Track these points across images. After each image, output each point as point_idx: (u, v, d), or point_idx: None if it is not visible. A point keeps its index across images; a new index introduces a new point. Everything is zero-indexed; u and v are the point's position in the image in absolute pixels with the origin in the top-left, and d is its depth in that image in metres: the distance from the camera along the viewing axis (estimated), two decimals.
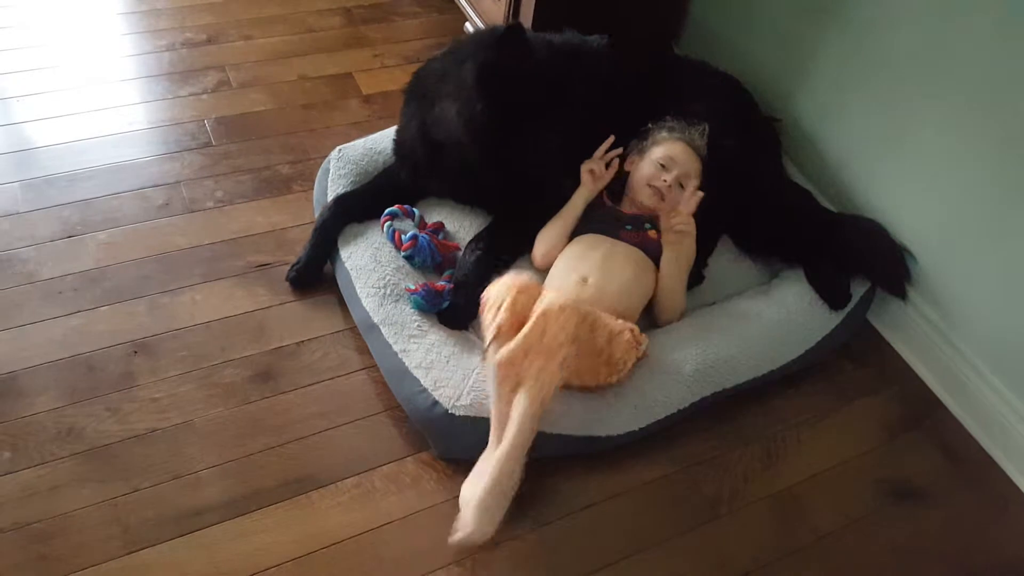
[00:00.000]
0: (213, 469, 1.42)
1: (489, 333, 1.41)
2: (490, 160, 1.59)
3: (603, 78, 1.59)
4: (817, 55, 1.90)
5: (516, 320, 1.38)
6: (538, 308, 1.36)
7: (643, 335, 1.52)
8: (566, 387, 1.47)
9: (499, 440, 1.34)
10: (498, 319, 1.39)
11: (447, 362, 1.49)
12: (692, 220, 1.59)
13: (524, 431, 1.32)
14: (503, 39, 1.46)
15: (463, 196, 1.78)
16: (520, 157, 1.58)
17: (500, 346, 1.36)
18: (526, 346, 1.33)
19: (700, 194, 1.59)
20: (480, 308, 1.47)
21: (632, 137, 1.78)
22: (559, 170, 1.65)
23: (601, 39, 1.60)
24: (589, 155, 1.73)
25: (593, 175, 1.70)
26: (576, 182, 1.71)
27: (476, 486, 1.31)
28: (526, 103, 1.52)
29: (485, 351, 1.43)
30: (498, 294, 1.43)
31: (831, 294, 1.70)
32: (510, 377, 1.34)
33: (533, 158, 1.59)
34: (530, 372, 1.32)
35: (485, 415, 1.41)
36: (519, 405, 1.33)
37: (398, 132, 1.81)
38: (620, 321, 1.49)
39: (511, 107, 1.51)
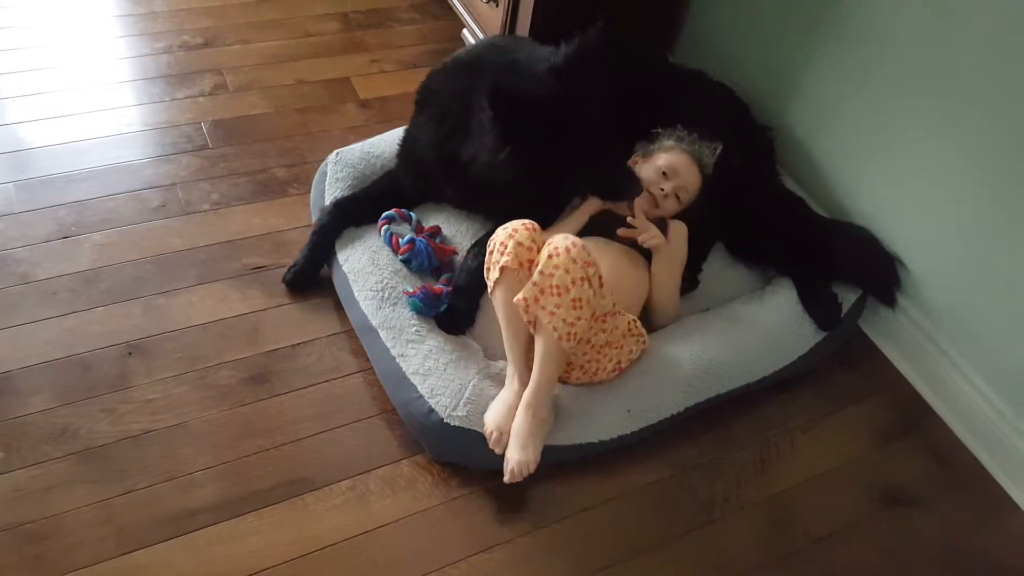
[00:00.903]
0: (207, 471, 1.42)
1: (494, 274, 1.48)
2: (531, 186, 1.57)
3: (611, 77, 1.60)
4: (813, 61, 1.91)
5: (521, 262, 1.45)
6: (545, 251, 1.42)
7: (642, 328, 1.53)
8: (565, 382, 1.50)
9: (518, 373, 1.45)
10: (503, 260, 1.45)
11: (444, 369, 1.49)
12: (666, 232, 1.64)
13: (548, 366, 1.41)
14: (494, 102, 1.43)
15: (480, 207, 1.76)
16: (561, 177, 1.59)
17: (506, 286, 1.45)
18: (539, 287, 1.40)
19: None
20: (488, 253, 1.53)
21: (631, 137, 1.78)
22: (601, 172, 1.63)
23: (596, 28, 1.55)
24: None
25: None
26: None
27: (506, 417, 1.40)
28: (554, 132, 1.50)
29: (491, 292, 1.51)
30: (503, 235, 1.48)
31: (821, 314, 1.71)
32: (530, 314, 1.41)
33: (576, 178, 1.61)
34: (546, 310, 1.39)
35: (479, 429, 1.42)
36: (540, 343, 1.42)
37: (405, 139, 1.80)
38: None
39: (542, 141, 1.49)
